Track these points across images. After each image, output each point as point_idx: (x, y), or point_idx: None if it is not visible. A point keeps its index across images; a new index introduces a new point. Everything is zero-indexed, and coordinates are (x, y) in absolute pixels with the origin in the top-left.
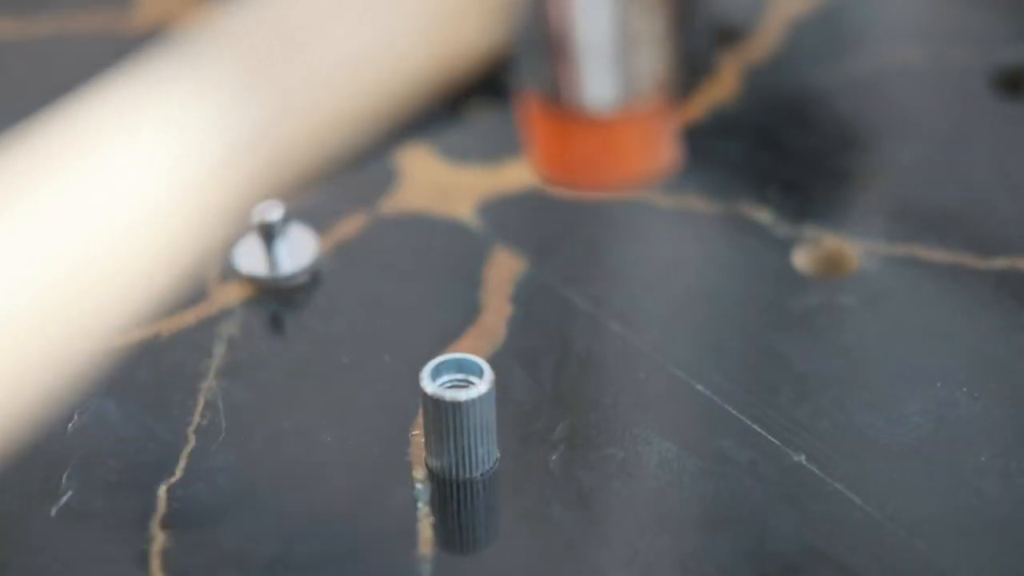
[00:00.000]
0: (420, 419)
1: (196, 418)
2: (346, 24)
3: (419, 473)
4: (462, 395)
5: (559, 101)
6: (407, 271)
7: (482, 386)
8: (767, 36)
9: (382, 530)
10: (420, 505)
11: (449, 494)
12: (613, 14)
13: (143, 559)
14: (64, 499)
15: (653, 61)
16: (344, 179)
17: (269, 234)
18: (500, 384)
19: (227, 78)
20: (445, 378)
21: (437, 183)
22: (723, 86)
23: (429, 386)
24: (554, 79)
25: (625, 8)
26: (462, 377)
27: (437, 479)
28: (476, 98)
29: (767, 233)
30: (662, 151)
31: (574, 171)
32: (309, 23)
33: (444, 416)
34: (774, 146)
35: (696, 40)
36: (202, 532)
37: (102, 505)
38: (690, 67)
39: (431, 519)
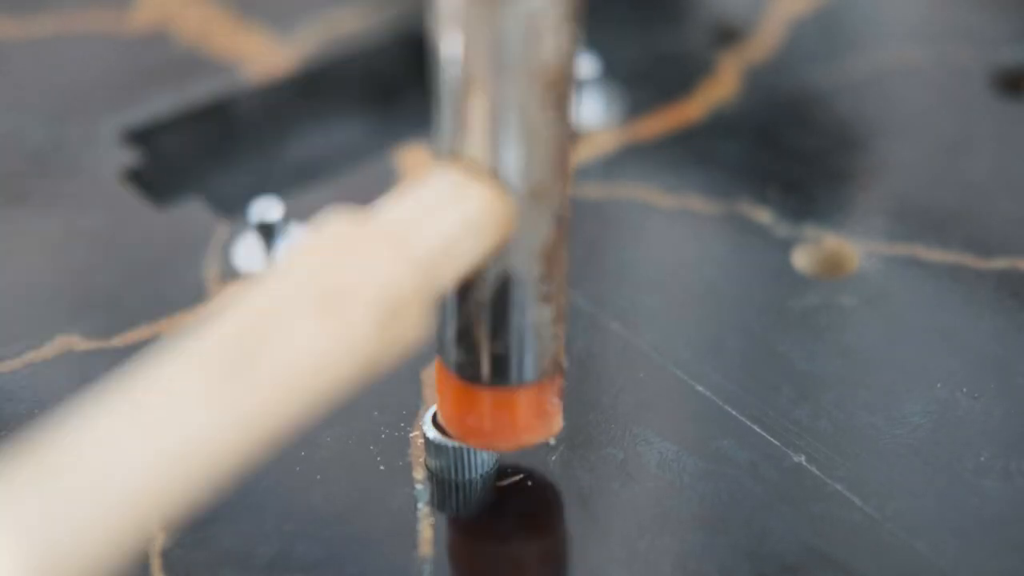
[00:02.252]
0: (420, 419)
1: None
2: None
3: (419, 473)
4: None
5: (462, 374)
6: None
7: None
8: (767, 36)
9: (382, 530)
10: (420, 505)
11: (449, 494)
12: (511, 306)
13: (143, 559)
14: None
15: (547, 345)
16: (344, 179)
17: (269, 234)
18: None
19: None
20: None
21: None
22: (723, 86)
23: (431, 431)
24: (462, 358)
25: (522, 300)
26: None
27: (437, 479)
28: None
29: (767, 233)
30: (551, 420)
31: (471, 435)
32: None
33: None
34: (774, 146)
35: (696, 40)
36: (202, 532)
37: None
38: (690, 67)
39: (431, 519)
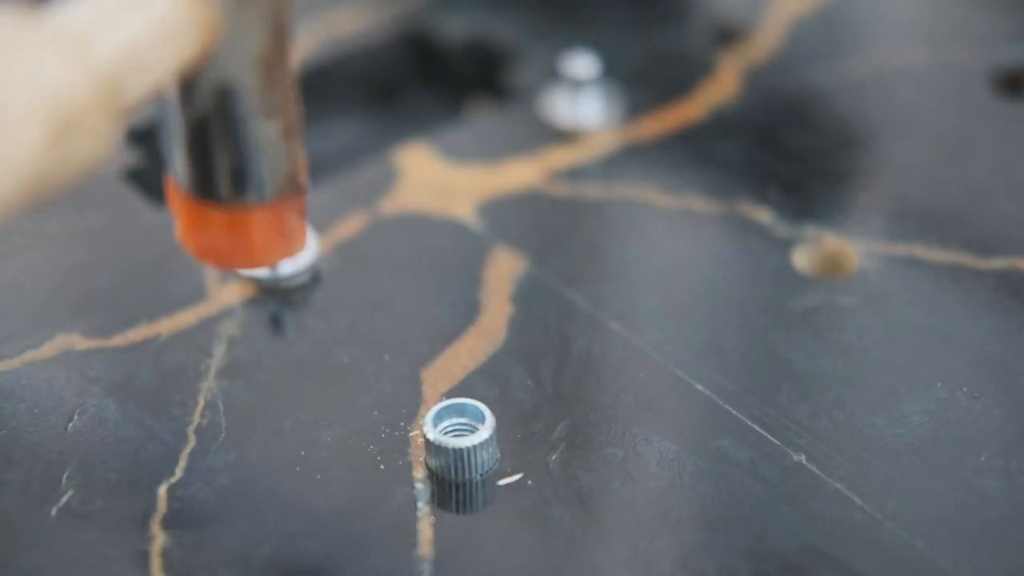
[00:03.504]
0: (420, 420)
1: (196, 418)
2: None
3: (419, 473)
4: (464, 441)
5: (197, 192)
6: (407, 271)
7: (484, 432)
8: (767, 36)
9: (382, 530)
10: (420, 505)
11: (449, 494)
12: (230, 120)
13: (143, 559)
14: (64, 499)
15: (277, 162)
16: (344, 179)
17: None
18: (500, 384)
19: None
20: (447, 423)
21: (437, 183)
22: (723, 86)
23: (431, 432)
24: (192, 173)
25: (242, 113)
26: (465, 422)
27: (437, 479)
28: (476, 98)
29: (767, 233)
30: (290, 240)
31: (208, 255)
32: None
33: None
34: (774, 146)
35: (696, 40)
36: (202, 532)
37: (102, 505)
38: (690, 67)
39: (431, 519)
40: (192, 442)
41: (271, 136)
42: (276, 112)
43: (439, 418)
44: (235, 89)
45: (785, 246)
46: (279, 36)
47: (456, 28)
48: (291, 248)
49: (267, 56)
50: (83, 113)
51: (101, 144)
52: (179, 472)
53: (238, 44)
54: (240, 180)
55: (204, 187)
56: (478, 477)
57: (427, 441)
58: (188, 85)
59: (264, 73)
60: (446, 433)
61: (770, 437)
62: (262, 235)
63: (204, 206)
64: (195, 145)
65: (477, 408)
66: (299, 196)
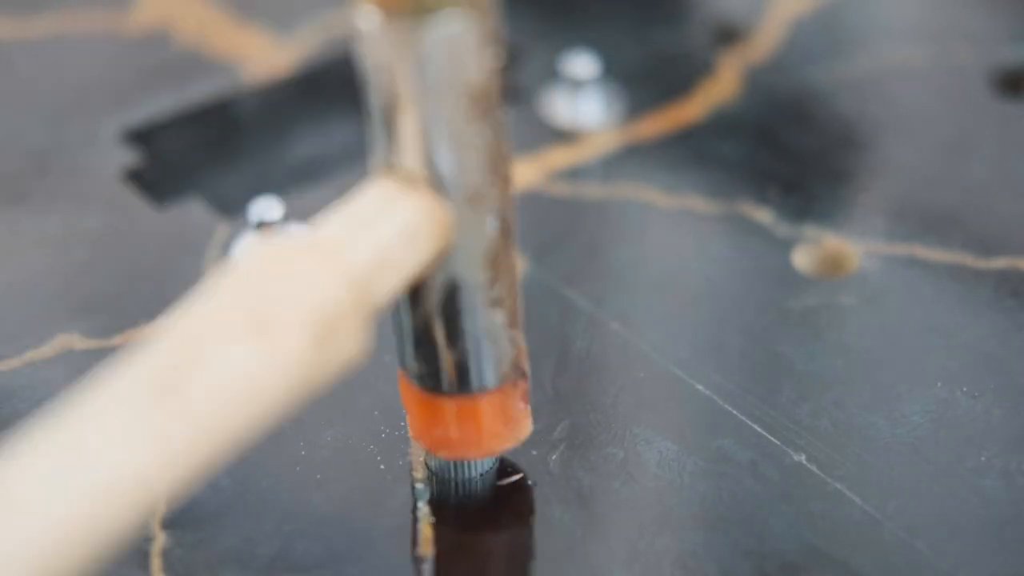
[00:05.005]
0: None
1: None
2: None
3: (419, 473)
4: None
5: (426, 386)
6: None
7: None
8: (767, 36)
9: (382, 530)
10: (420, 505)
11: (449, 494)
12: (460, 313)
13: (143, 559)
14: None
15: (503, 350)
16: (344, 179)
17: (269, 234)
18: None
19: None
20: None
21: None
22: (723, 86)
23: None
24: (421, 368)
25: (471, 307)
26: None
27: (437, 479)
28: None
29: (767, 233)
30: (518, 424)
31: (440, 446)
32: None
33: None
34: (774, 146)
35: (696, 40)
36: (202, 532)
37: None
38: (690, 67)
39: (431, 519)
40: None
41: (497, 326)
42: (501, 303)
43: None
44: (464, 285)
45: (785, 246)
46: (505, 232)
47: None
48: (517, 434)
49: (494, 251)
50: (342, 317)
51: (357, 345)
52: None
53: (468, 243)
54: (468, 371)
55: (434, 380)
56: (478, 477)
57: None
58: (419, 284)
59: (491, 268)
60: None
61: (770, 437)
62: (490, 422)
63: (434, 398)
64: (424, 341)
65: None
66: (523, 381)
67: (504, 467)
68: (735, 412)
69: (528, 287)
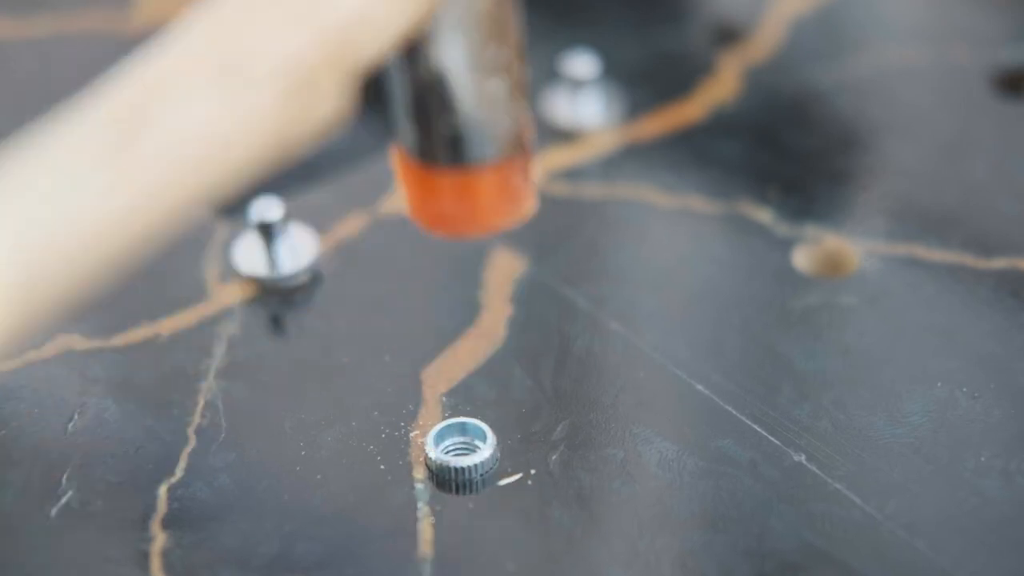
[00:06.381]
0: (420, 420)
1: (196, 418)
2: (197, 96)
3: (419, 473)
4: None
5: (422, 158)
6: (407, 271)
7: (485, 451)
8: (767, 36)
9: (382, 530)
10: (420, 505)
11: (449, 494)
12: (465, 77)
13: (143, 559)
14: (64, 499)
15: (506, 119)
16: (344, 179)
17: (269, 234)
18: (500, 384)
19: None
20: (448, 442)
21: None
22: (723, 86)
23: (433, 452)
24: (416, 137)
25: (476, 71)
26: (466, 440)
27: (437, 479)
28: None
29: (767, 233)
30: (519, 201)
31: (437, 223)
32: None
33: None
34: (774, 146)
35: (696, 40)
36: (202, 532)
37: (102, 505)
38: (690, 67)
39: (431, 519)
40: (192, 442)
41: (497, 94)
42: (501, 70)
43: (440, 437)
44: (461, 48)
45: (785, 246)
46: None
47: None
48: (518, 210)
49: (494, 11)
50: (315, 72)
51: (333, 103)
52: (179, 472)
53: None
54: (465, 141)
55: (429, 150)
56: (478, 477)
57: (428, 459)
58: (413, 48)
59: (490, 30)
60: (447, 452)
61: (770, 437)
62: (489, 196)
63: (430, 171)
64: (420, 108)
65: (478, 427)
66: (526, 156)
67: (504, 467)
68: (735, 412)
69: (528, 287)
